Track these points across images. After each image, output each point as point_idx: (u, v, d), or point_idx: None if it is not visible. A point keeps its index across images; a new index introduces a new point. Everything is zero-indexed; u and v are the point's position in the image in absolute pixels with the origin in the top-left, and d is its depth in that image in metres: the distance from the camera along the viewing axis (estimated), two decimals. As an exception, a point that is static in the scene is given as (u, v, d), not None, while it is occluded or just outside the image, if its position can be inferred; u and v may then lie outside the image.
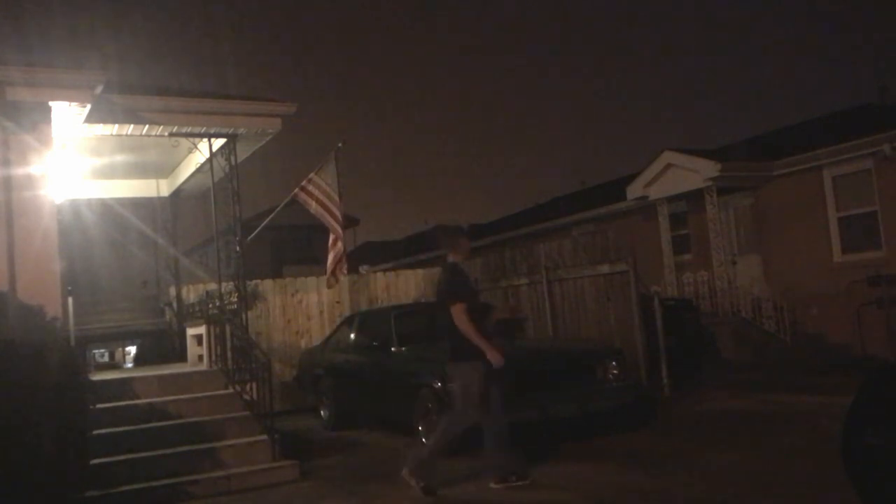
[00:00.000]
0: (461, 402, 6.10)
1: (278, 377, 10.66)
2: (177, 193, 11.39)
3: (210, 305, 9.22)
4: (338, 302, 12.57)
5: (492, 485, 6.15)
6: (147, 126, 8.23)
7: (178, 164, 10.64)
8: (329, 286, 11.20)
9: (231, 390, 8.04)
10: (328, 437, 9.35)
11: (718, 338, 12.88)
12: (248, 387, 7.76)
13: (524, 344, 9.72)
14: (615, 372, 8.01)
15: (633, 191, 15.61)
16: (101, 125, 8.06)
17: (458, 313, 6.01)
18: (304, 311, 12.38)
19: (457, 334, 6.04)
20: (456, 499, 6.05)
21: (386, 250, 30.00)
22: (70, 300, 8.86)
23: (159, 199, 11.68)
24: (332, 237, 10.03)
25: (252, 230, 10.31)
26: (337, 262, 10.03)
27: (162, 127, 8.34)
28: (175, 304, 11.45)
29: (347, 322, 10.59)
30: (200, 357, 9.22)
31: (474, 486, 6.30)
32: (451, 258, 6.40)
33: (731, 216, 14.84)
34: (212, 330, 8.87)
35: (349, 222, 24.96)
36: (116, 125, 8.14)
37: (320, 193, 9.74)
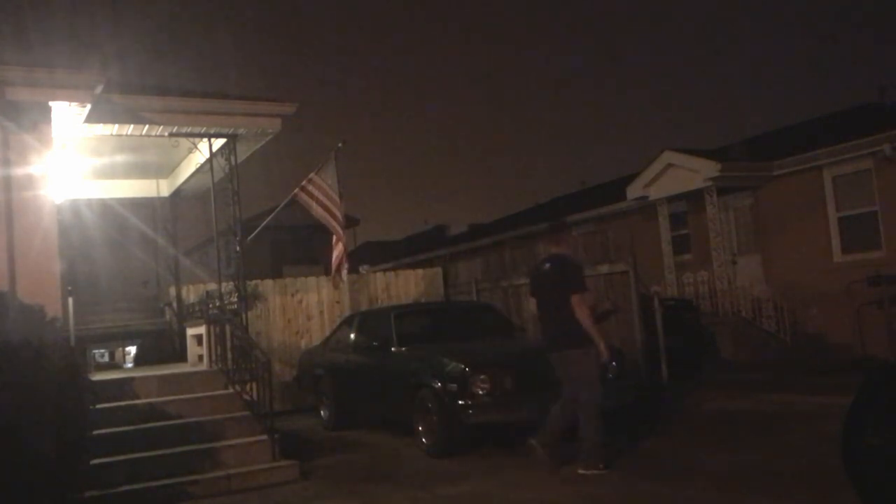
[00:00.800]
0: (584, 382, 6.40)
1: (278, 377, 10.65)
2: (177, 193, 11.39)
3: (210, 305, 9.22)
4: (338, 302, 12.57)
5: (580, 470, 6.33)
6: (147, 126, 8.23)
7: (178, 164, 10.64)
8: (335, 286, 11.19)
9: (231, 390, 8.03)
10: (328, 437, 9.35)
11: (718, 338, 12.88)
12: (248, 387, 7.75)
13: (525, 344, 9.71)
14: (615, 372, 8.00)
15: (633, 191, 15.60)
16: (101, 125, 8.06)
17: (580, 303, 6.38)
18: (304, 311, 12.37)
19: (571, 322, 6.35)
20: (456, 497, 6.05)
21: (386, 250, 29.98)
22: (70, 300, 8.85)
23: (159, 199, 11.67)
24: (334, 238, 10.03)
25: (252, 230, 10.30)
26: (340, 261, 10.04)
27: (162, 127, 8.34)
28: (175, 304, 11.45)
29: (347, 322, 10.58)
30: (200, 357, 9.22)
31: (472, 484, 6.31)
32: (557, 250, 6.83)
33: (731, 216, 14.84)
34: (212, 330, 8.87)
35: (349, 222, 24.95)
36: (116, 125, 8.14)
37: (320, 194, 9.74)
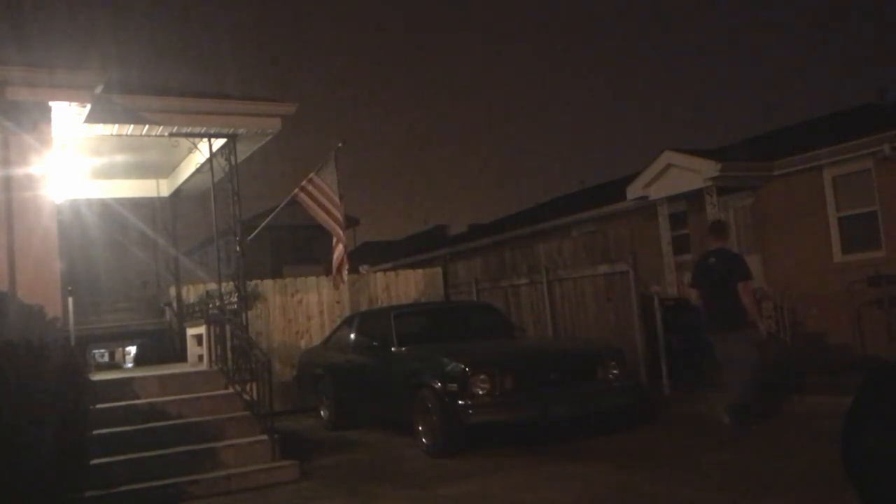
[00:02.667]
0: (751, 355, 7.38)
1: (278, 377, 10.65)
2: (177, 193, 11.39)
3: (210, 305, 9.22)
4: (338, 302, 12.57)
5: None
6: (147, 126, 8.23)
7: (178, 164, 10.64)
8: (336, 286, 11.19)
9: (231, 390, 8.04)
10: (328, 437, 9.35)
11: (718, 338, 12.86)
12: (248, 387, 7.76)
13: (525, 344, 9.72)
14: (615, 372, 8.02)
15: (633, 191, 15.59)
16: (101, 125, 8.06)
17: (748, 290, 7.40)
18: (304, 311, 12.37)
19: (737, 307, 7.31)
20: (456, 497, 6.05)
21: (386, 250, 29.99)
22: (70, 300, 8.86)
23: (159, 199, 11.68)
24: (334, 239, 10.03)
25: (252, 230, 10.30)
26: (340, 262, 10.04)
27: (162, 127, 8.34)
28: (175, 304, 11.44)
29: (347, 322, 10.58)
30: (200, 357, 9.22)
31: (472, 484, 6.31)
32: (719, 245, 7.78)
33: (731, 216, 14.82)
34: (212, 330, 8.87)
35: (349, 222, 24.94)
36: (116, 125, 8.14)
37: (320, 194, 9.73)
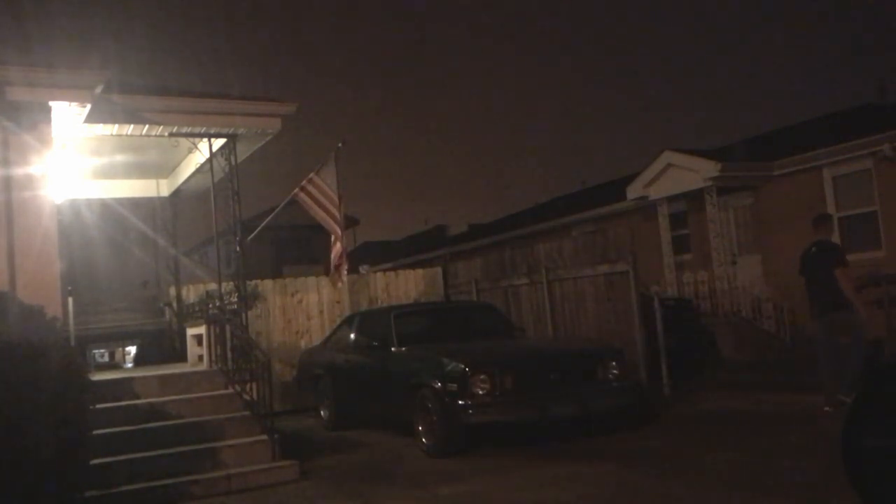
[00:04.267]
0: (853, 336, 7.89)
1: (278, 377, 10.65)
2: (177, 193, 11.39)
3: (210, 305, 9.22)
4: (338, 302, 12.57)
5: (826, 408, 7.77)
6: (147, 126, 8.23)
7: (178, 164, 10.64)
8: (334, 284, 11.19)
9: (231, 390, 8.04)
10: (328, 437, 9.35)
11: (718, 338, 12.88)
12: (248, 387, 7.76)
13: (525, 344, 9.72)
14: (615, 372, 8.01)
15: (633, 191, 15.61)
16: (101, 125, 8.06)
17: (847, 276, 7.90)
18: (304, 311, 12.37)
19: (836, 292, 7.84)
20: (456, 497, 6.05)
21: (386, 250, 30.02)
22: (70, 300, 8.86)
23: (159, 199, 11.68)
24: (332, 237, 10.04)
25: (252, 230, 10.32)
26: (339, 261, 10.05)
27: (162, 127, 8.34)
28: (175, 304, 11.45)
29: (347, 322, 10.58)
30: (200, 357, 9.22)
31: (472, 484, 6.31)
32: (820, 236, 8.32)
33: (731, 216, 14.84)
34: (212, 330, 8.87)
35: (349, 222, 24.96)
36: (116, 125, 8.15)
37: (320, 194, 9.75)
